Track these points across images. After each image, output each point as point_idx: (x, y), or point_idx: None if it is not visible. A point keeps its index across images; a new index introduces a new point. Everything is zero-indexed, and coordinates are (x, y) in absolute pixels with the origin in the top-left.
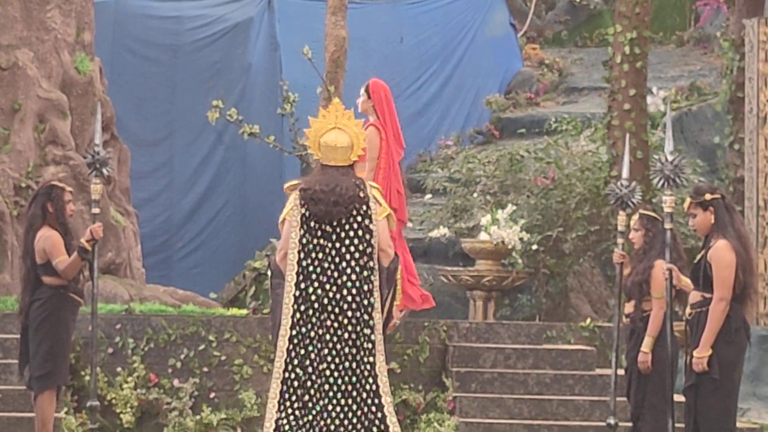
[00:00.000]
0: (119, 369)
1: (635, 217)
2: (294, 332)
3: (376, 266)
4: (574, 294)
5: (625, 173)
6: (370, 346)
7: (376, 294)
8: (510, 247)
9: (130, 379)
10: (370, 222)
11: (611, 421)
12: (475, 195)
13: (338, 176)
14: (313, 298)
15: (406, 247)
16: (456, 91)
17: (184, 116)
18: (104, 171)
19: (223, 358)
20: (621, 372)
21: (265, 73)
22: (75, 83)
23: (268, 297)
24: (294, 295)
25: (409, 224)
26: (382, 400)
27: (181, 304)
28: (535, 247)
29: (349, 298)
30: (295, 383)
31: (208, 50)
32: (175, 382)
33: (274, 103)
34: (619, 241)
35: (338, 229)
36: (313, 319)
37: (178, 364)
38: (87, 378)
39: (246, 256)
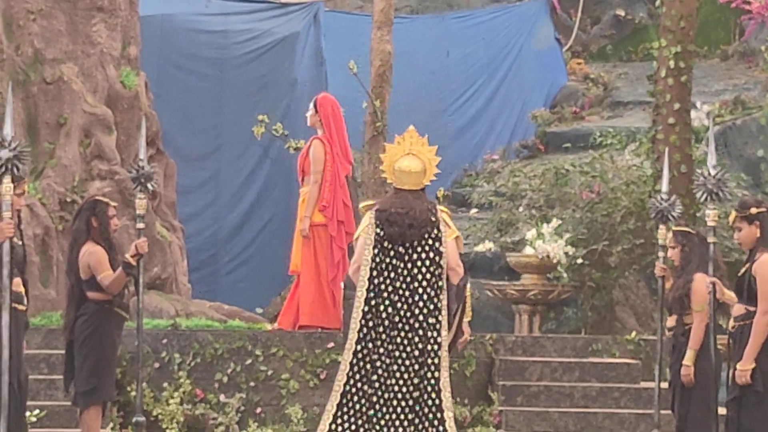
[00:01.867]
0: (165, 384)
1: (669, 234)
2: (359, 347)
3: (444, 286)
4: (620, 307)
5: (665, 187)
6: (436, 362)
7: (444, 312)
8: (555, 261)
9: (176, 394)
10: (440, 244)
11: None
12: (520, 209)
13: (412, 200)
14: (384, 315)
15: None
16: (502, 105)
17: (230, 131)
18: (149, 186)
19: (269, 372)
20: (665, 385)
21: (311, 88)
22: (121, 98)
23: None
24: (363, 310)
25: None
26: (444, 415)
27: (227, 319)
28: (580, 260)
29: (421, 317)
30: (356, 397)
31: (254, 65)
32: (222, 397)
33: None
34: (661, 254)
35: (410, 251)
36: (383, 336)
37: (225, 379)
38: (133, 393)
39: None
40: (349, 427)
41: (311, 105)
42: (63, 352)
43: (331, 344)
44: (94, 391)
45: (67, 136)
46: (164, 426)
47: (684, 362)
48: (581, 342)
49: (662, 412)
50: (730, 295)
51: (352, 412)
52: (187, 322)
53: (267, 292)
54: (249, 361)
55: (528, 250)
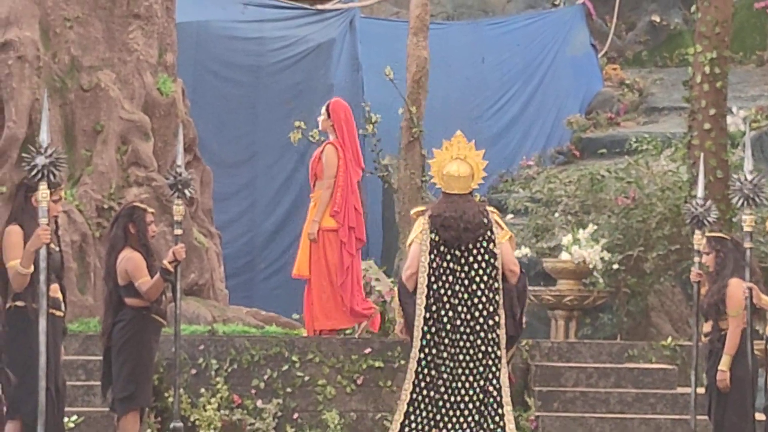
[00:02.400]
0: (202, 390)
1: (703, 241)
2: (423, 354)
3: (501, 287)
4: (655, 313)
5: (700, 192)
6: (496, 362)
7: (501, 312)
8: (591, 266)
9: (213, 400)
10: (494, 246)
11: None
12: (556, 215)
13: (463, 203)
14: (445, 320)
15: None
16: (537, 111)
17: (266, 137)
18: (187, 192)
19: (306, 378)
20: (701, 390)
21: (347, 94)
22: (157, 104)
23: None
24: (424, 317)
25: None
26: (504, 410)
27: (264, 325)
28: (616, 266)
29: (481, 320)
30: (423, 404)
31: (290, 71)
32: (259, 403)
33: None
34: (696, 259)
35: (466, 253)
36: (446, 340)
37: (262, 385)
38: (170, 399)
39: None
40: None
41: (323, 109)
42: (100, 358)
43: (368, 350)
44: (131, 397)
45: (104, 143)
46: None
47: (720, 367)
48: (617, 348)
49: (699, 417)
50: (767, 300)
51: (420, 419)
52: (224, 328)
53: (303, 298)
54: (286, 367)
55: (564, 255)
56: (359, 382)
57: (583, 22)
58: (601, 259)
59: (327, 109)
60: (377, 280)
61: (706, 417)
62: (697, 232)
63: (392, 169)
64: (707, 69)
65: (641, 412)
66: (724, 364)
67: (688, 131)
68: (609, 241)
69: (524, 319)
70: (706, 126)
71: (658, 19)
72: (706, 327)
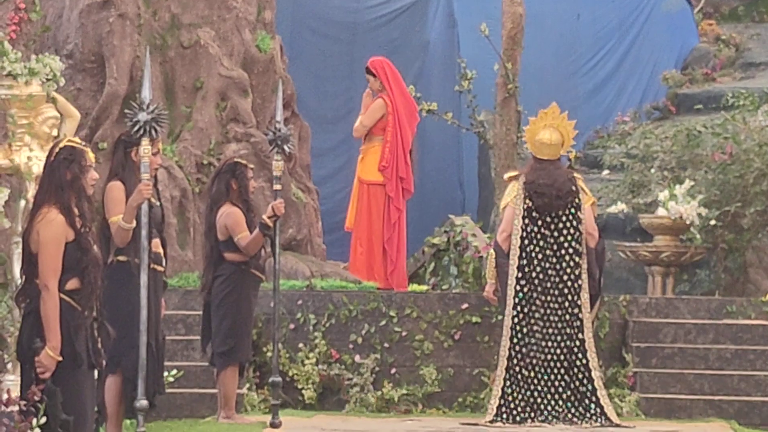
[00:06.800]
0: (301, 345)
1: None
2: (516, 312)
3: (584, 251)
4: (753, 269)
5: None
6: (579, 323)
7: (584, 276)
8: (688, 222)
9: (311, 355)
10: (580, 211)
11: None
12: (652, 171)
13: (554, 170)
14: (536, 281)
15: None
16: (632, 67)
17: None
18: (285, 148)
19: (404, 333)
20: None
21: (443, 51)
22: (256, 61)
23: (446, 272)
24: (516, 277)
25: None
26: (593, 374)
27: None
28: (713, 222)
29: (569, 282)
30: (516, 359)
31: (387, 28)
32: (357, 358)
33: (452, 80)
34: None
35: (556, 219)
36: (537, 301)
37: (359, 340)
38: (269, 354)
39: (425, 232)
40: (516, 389)
41: (366, 74)
42: (200, 313)
43: (465, 305)
44: (231, 351)
45: (204, 99)
46: (300, 386)
47: None
48: (715, 304)
49: None
50: None
51: (516, 374)
52: (321, 283)
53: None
54: (383, 323)
55: (660, 211)
56: (456, 337)
57: None
58: (698, 214)
59: (368, 71)
60: (473, 235)
61: None
62: None
63: (488, 125)
64: None
65: (740, 368)
66: None
67: None
68: (706, 197)
69: (602, 281)
70: None
71: None
72: None
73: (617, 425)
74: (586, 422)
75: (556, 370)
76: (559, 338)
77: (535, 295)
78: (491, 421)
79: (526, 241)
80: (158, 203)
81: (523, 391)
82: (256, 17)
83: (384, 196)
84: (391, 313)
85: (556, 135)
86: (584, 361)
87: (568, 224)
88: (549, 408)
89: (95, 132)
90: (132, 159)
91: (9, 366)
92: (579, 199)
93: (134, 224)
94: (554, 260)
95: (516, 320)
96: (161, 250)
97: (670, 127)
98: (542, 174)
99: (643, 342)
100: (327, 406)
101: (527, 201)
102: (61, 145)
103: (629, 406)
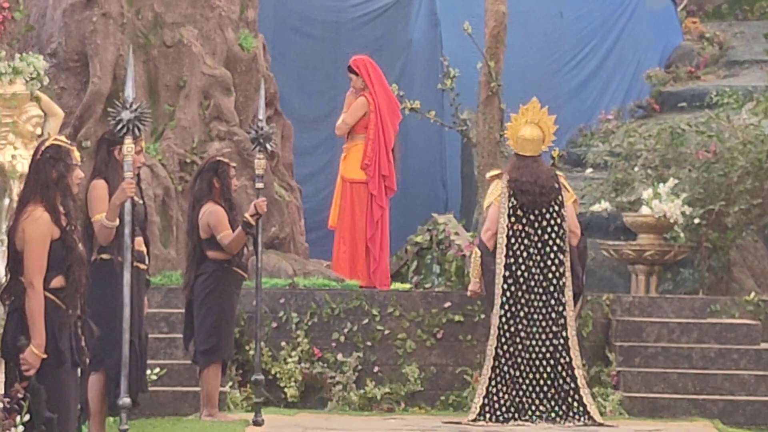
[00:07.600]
0: (283, 343)
1: None
2: (503, 311)
3: (568, 248)
4: (737, 268)
5: None
6: (563, 322)
7: (568, 274)
8: (672, 220)
9: (294, 353)
10: (562, 208)
11: None
12: (636, 169)
13: (536, 168)
14: (522, 280)
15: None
16: (616, 65)
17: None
18: (268, 146)
19: (386, 332)
20: None
21: (426, 49)
22: (239, 60)
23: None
24: (504, 275)
25: None
26: (576, 372)
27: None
28: (697, 220)
29: (554, 280)
30: (504, 359)
31: (370, 27)
32: (339, 356)
33: (435, 78)
34: None
35: (540, 217)
36: (522, 300)
37: (342, 339)
38: (251, 352)
39: (408, 231)
40: (502, 388)
41: (348, 73)
42: (183, 311)
43: (447, 304)
44: (213, 349)
45: (187, 98)
46: (282, 384)
47: None
48: (699, 303)
49: None
50: None
51: (502, 374)
52: (304, 281)
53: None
54: (366, 321)
55: (644, 209)
56: (439, 336)
57: None
58: (682, 213)
59: (351, 70)
60: (456, 234)
61: None
62: None
63: (471, 124)
64: None
65: (724, 367)
66: None
67: None
68: (690, 195)
69: (584, 278)
70: None
71: None
72: None
73: (600, 424)
74: (570, 421)
75: (541, 369)
76: (543, 336)
77: (520, 293)
78: (474, 420)
79: (512, 240)
80: (141, 202)
81: (509, 390)
82: (239, 16)
83: (367, 194)
84: (374, 312)
85: (537, 131)
86: (567, 360)
87: (552, 221)
88: (533, 407)
89: (79, 130)
90: (115, 157)
91: None
92: (562, 196)
93: (117, 222)
94: (538, 258)
95: (503, 319)
96: (144, 249)
97: (653, 125)
98: (525, 171)
99: (626, 341)
100: (309, 405)
101: (512, 199)
102: (48, 143)
103: (612, 405)
